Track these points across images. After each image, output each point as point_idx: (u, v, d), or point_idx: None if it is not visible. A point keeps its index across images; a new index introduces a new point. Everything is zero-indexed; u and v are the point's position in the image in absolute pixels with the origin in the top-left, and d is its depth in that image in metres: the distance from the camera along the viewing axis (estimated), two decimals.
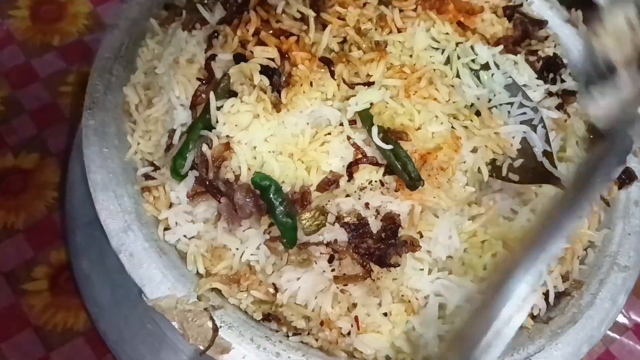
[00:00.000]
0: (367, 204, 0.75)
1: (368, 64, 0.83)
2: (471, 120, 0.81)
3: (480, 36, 0.92)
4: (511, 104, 0.84)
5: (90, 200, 0.82)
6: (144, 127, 0.83)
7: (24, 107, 1.22)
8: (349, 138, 0.78)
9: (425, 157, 0.78)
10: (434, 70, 0.83)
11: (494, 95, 0.85)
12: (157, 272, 0.72)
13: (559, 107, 0.90)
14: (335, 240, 0.74)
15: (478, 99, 0.84)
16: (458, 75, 0.85)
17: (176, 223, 0.77)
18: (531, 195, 0.83)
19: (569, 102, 0.91)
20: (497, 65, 0.86)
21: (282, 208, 0.74)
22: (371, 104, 0.80)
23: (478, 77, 0.86)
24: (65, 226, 0.98)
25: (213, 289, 0.75)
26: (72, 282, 1.06)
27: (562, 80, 0.92)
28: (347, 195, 0.76)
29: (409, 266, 0.75)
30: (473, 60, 0.86)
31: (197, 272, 0.76)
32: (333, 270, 0.74)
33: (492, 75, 0.86)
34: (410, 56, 0.85)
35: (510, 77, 0.87)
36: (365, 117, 0.79)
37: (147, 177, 0.80)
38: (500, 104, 0.84)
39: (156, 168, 0.81)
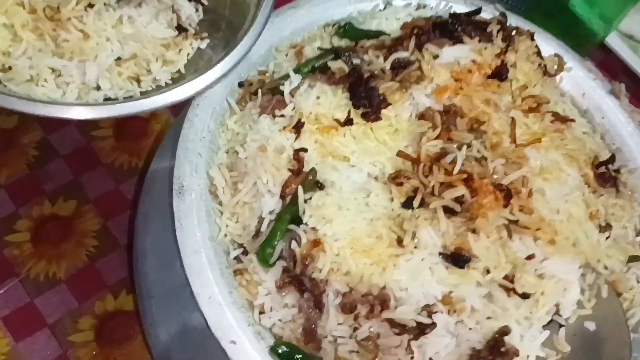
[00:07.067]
0: None
1: None
2: None
3: None
4: None
5: (165, 272, 0.87)
6: (232, 209, 0.86)
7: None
8: None
9: None
10: None
11: None
12: (258, 358, 0.77)
13: None
14: None
15: None
16: None
17: (271, 308, 0.81)
18: None
19: None
20: None
21: None
22: None
23: None
24: (136, 293, 1.00)
25: None
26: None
27: None
28: None
29: None
30: None
31: None
32: None
33: None
34: None
35: None
36: None
37: (237, 259, 0.84)
38: None
39: (245, 251, 0.84)
